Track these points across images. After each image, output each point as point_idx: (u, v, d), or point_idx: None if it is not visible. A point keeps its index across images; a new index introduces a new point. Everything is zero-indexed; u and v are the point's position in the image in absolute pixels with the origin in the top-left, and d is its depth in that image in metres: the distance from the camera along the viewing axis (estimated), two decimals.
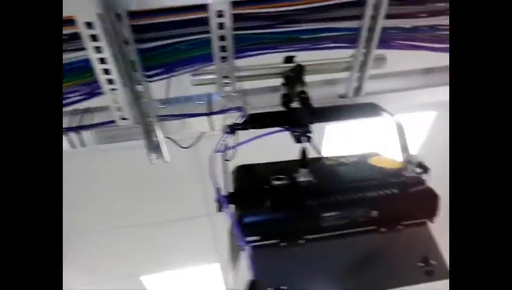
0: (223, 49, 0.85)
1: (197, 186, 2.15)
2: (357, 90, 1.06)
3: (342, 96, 1.09)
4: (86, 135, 1.05)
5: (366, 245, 0.68)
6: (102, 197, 2.12)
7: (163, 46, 0.82)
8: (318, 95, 1.13)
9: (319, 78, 1.16)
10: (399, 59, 1.07)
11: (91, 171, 1.97)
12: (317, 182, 0.70)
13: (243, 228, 0.64)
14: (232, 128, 0.77)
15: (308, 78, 1.08)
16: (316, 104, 0.83)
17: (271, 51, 0.91)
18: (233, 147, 0.74)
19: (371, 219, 0.67)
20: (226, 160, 0.85)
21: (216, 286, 3.22)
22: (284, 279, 0.62)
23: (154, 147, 1.04)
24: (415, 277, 0.66)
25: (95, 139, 1.05)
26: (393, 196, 0.68)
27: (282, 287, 0.61)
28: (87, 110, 1.06)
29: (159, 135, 1.01)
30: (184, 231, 2.53)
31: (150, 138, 1.01)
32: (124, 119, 0.96)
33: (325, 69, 1.05)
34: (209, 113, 1.00)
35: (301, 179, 0.71)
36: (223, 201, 0.70)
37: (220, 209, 0.72)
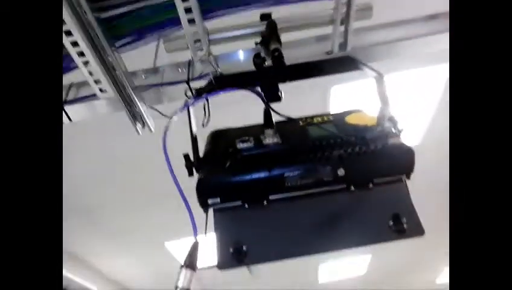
0: (188, 10, 0.81)
1: None
2: (342, 46, 0.99)
3: (328, 53, 1.03)
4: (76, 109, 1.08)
5: (334, 205, 0.67)
6: (124, 171, 2.20)
7: (127, 13, 0.80)
8: (305, 53, 1.08)
9: (307, 35, 1.10)
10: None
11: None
12: (282, 143, 0.68)
13: (204, 190, 0.65)
14: (198, 92, 0.76)
15: (294, 35, 1.03)
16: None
17: (242, 8, 0.86)
18: (188, 106, 0.72)
19: (338, 177, 0.65)
20: (202, 125, 0.84)
21: None
22: (246, 239, 0.63)
23: (138, 118, 1.05)
24: (386, 235, 0.65)
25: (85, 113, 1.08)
26: (362, 153, 0.65)
27: (242, 246, 0.62)
28: (72, 86, 1.08)
29: (141, 106, 1.01)
30: None
31: (132, 108, 1.02)
32: (103, 91, 0.97)
33: (306, 25, 0.99)
34: (187, 81, 0.99)
35: (267, 140, 0.69)
36: (190, 166, 0.70)
37: (190, 174, 0.72)
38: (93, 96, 1.00)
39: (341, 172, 0.65)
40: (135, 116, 1.04)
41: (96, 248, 2.90)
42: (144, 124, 1.06)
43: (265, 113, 0.68)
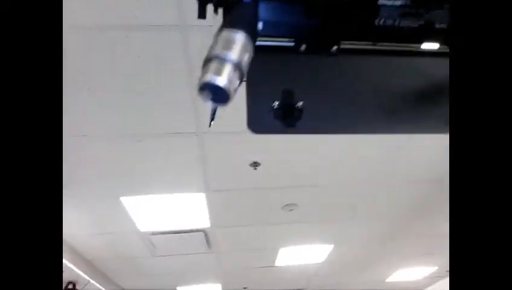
0: None
1: (187, 97, 1.88)
2: None
3: None
4: None
5: (427, 75, 0.43)
6: (77, 98, 1.84)
7: None
8: None
9: None
10: None
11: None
12: None
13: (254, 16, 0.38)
14: None
15: None
16: None
17: None
18: None
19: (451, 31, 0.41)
20: None
21: (199, 216, 3.09)
22: (301, 95, 0.38)
23: None
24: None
25: None
26: None
27: (295, 103, 0.36)
28: None
29: None
30: (169, 148, 2.30)
31: None
32: None
33: None
34: None
35: None
36: None
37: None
38: None
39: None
40: None
41: None
42: None
43: None
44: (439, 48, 0.43)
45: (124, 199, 2.73)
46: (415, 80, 0.42)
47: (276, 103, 0.36)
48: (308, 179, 2.78)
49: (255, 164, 2.49)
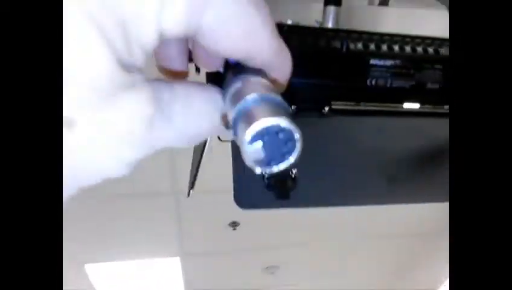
0: None
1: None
2: None
3: None
4: None
5: (414, 136, 0.40)
6: None
7: None
8: None
9: None
10: None
11: None
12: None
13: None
14: None
15: None
16: None
17: None
18: None
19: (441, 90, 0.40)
20: None
21: (173, 283, 2.83)
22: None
23: None
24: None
25: None
26: None
27: (290, 171, 0.32)
28: None
29: None
30: (142, 208, 2.16)
31: None
32: None
33: None
34: None
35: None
36: None
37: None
38: None
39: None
40: None
41: None
42: None
43: None
44: (432, 108, 0.41)
45: (88, 267, 2.48)
46: (413, 142, 0.39)
47: (265, 173, 0.32)
48: (292, 238, 2.67)
49: (234, 224, 2.38)
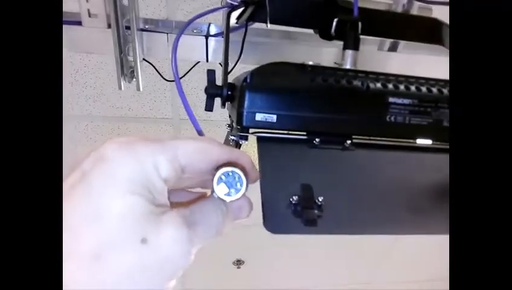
0: None
1: None
2: None
3: None
4: None
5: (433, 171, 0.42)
6: None
7: None
8: None
9: None
10: None
11: None
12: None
13: (251, 98, 0.37)
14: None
15: None
16: None
17: None
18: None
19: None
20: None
21: None
22: (319, 190, 0.35)
23: (127, 68, 0.78)
24: None
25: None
26: None
27: (315, 198, 0.33)
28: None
29: (136, 53, 0.76)
30: None
31: (123, 53, 0.75)
32: (91, 16, 0.71)
33: None
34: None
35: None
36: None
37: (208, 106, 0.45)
38: (75, 23, 0.73)
39: None
40: (123, 65, 0.77)
41: None
42: (131, 77, 0.78)
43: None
44: (448, 145, 0.43)
45: None
46: (431, 175, 0.40)
47: (295, 198, 0.33)
48: (298, 281, 2.58)
49: (239, 262, 2.32)
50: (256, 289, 2.58)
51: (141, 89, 0.79)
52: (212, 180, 0.28)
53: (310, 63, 0.43)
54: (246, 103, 0.37)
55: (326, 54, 0.87)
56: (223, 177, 0.28)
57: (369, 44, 0.91)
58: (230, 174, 0.28)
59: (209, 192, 0.30)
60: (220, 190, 0.28)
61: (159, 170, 0.25)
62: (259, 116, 0.37)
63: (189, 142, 0.27)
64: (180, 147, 0.27)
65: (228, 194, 0.28)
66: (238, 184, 0.28)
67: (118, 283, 0.22)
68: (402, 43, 0.89)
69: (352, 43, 0.47)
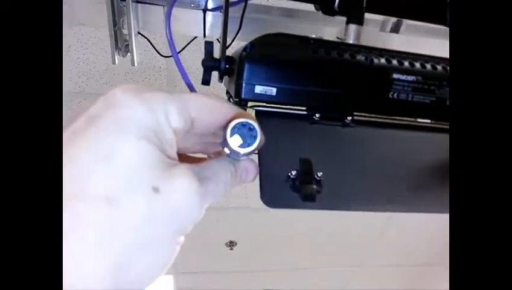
0: None
1: None
2: None
3: None
4: None
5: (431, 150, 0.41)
6: None
7: None
8: None
9: None
10: None
11: None
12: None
13: (251, 71, 0.36)
14: None
15: None
16: None
17: None
18: None
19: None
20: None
21: None
22: (320, 165, 0.34)
23: (121, 42, 0.75)
24: None
25: None
26: None
27: (315, 174, 0.32)
28: None
29: (131, 25, 0.73)
30: None
31: (117, 26, 0.73)
32: None
33: None
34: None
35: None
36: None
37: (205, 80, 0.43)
38: None
39: None
40: (117, 39, 0.74)
41: None
42: (125, 52, 0.76)
43: None
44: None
45: None
46: (430, 154, 0.40)
47: (293, 173, 0.32)
48: (291, 262, 2.62)
49: (232, 244, 2.34)
50: (249, 270, 2.61)
51: (136, 64, 0.76)
52: (225, 132, 0.26)
53: (313, 36, 0.42)
54: (245, 74, 0.36)
55: (328, 33, 0.85)
56: (236, 128, 0.26)
57: (371, 25, 0.89)
58: (245, 124, 0.26)
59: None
60: (234, 141, 0.26)
61: (169, 119, 0.24)
62: (258, 89, 0.36)
63: (199, 97, 0.26)
64: (190, 100, 0.26)
65: (242, 146, 0.26)
66: (252, 136, 0.26)
67: (134, 230, 0.21)
68: (404, 25, 0.87)
69: (356, 17, 0.45)
